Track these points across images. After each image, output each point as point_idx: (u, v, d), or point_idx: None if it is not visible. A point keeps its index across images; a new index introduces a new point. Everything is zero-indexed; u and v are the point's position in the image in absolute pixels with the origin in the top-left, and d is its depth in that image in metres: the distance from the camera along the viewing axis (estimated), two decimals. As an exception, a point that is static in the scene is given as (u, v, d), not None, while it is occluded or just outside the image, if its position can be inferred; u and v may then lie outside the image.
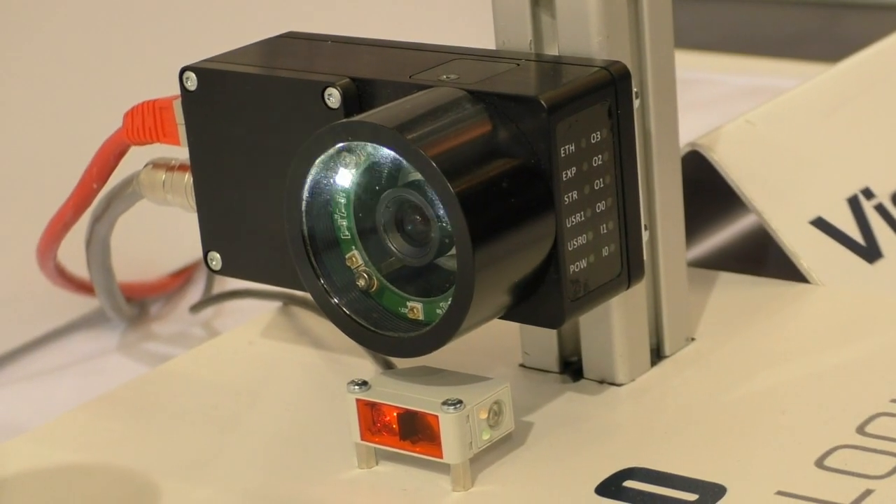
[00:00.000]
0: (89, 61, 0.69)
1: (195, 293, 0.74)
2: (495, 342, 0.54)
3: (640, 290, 0.52)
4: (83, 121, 0.63)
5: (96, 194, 0.61)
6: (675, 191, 0.53)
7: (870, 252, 0.59)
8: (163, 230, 0.69)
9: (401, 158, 0.46)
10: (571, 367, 0.53)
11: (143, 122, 0.56)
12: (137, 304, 0.73)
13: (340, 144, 0.47)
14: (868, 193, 0.60)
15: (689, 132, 0.60)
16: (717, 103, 0.92)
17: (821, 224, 0.59)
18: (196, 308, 0.69)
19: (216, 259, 0.55)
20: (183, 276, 0.74)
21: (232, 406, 0.54)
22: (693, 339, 0.55)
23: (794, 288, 0.57)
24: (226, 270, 0.55)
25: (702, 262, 0.62)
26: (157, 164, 0.57)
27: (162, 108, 0.55)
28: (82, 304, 0.72)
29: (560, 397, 0.52)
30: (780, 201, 0.58)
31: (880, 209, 0.60)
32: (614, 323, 0.52)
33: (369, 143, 0.47)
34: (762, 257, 0.60)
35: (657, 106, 0.52)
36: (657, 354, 0.54)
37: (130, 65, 0.68)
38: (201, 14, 0.72)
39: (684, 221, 0.55)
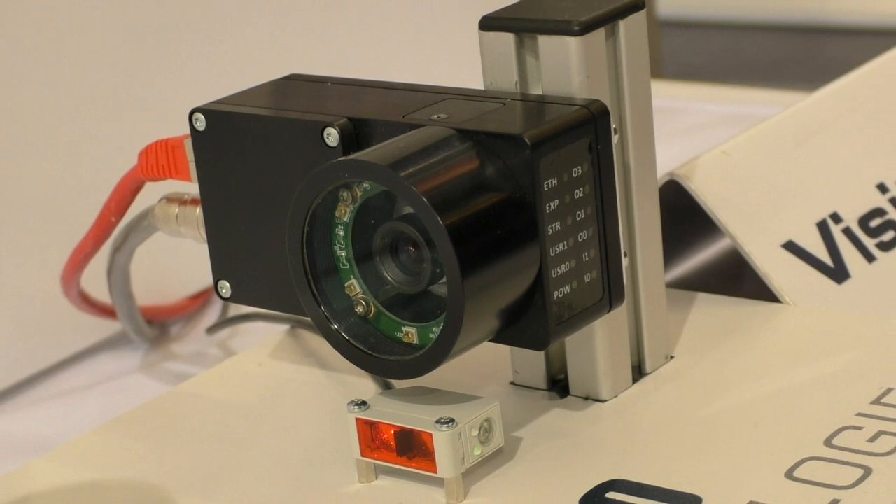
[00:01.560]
0: (106, 104, 0.69)
1: (212, 315, 0.73)
2: (487, 362, 0.54)
3: (621, 312, 0.51)
4: (101, 159, 0.63)
5: (115, 227, 0.61)
6: (654, 219, 0.53)
7: (838, 273, 0.59)
8: (182, 256, 0.68)
9: (394, 193, 0.46)
10: (559, 385, 0.53)
11: (156, 160, 0.56)
12: (158, 326, 0.73)
13: (339, 181, 0.47)
14: (836, 218, 0.60)
15: (671, 159, 0.60)
16: (697, 131, 0.91)
17: (791, 247, 0.58)
18: (212, 329, 0.69)
19: (226, 287, 0.55)
20: (201, 300, 0.74)
21: (242, 425, 0.54)
22: (672, 357, 0.55)
23: (766, 308, 0.57)
24: (235, 298, 0.54)
25: (681, 284, 0.62)
26: (170, 199, 0.57)
27: (174, 147, 0.55)
28: (106, 327, 0.72)
29: (547, 413, 0.52)
30: (754, 226, 0.58)
31: (847, 232, 0.60)
32: (598, 343, 0.52)
33: (365, 180, 0.47)
34: (737, 279, 0.59)
35: (635, 140, 0.52)
36: (638, 371, 0.54)
37: (144, 107, 0.68)
38: (209, 58, 0.72)
39: (662, 247, 0.54)
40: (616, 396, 0.52)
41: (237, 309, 0.70)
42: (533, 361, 0.53)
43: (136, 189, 0.59)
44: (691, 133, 0.91)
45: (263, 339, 0.61)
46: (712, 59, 2.31)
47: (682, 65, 2.19)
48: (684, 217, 0.59)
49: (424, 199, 0.45)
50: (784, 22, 2.42)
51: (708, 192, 0.58)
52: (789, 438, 0.49)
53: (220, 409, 0.55)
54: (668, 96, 1.04)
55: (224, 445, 0.53)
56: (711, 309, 0.58)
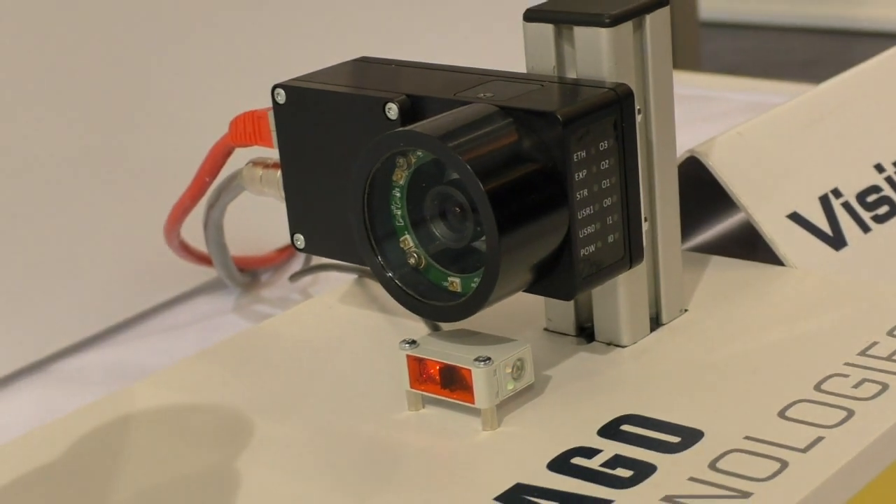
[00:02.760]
0: (202, 79, 0.69)
1: (296, 265, 0.74)
2: (524, 310, 0.54)
3: (640, 269, 0.51)
4: (198, 128, 0.63)
5: (209, 186, 0.61)
6: (672, 189, 0.52)
7: (836, 241, 0.58)
8: (272, 214, 0.69)
9: (443, 161, 0.46)
10: (586, 331, 0.53)
11: (244, 129, 0.56)
12: (250, 274, 0.73)
13: (396, 148, 0.47)
14: (837, 193, 0.59)
15: (701, 139, 0.59)
16: (725, 116, 0.91)
17: (796, 217, 0.58)
18: (294, 277, 0.69)
19: (300, 239, 0.55)
20: (286, 252, 0.74)
21: (312, 359, 0.54)
22: (686, 310, 0.54)
23: (772, 270, 0.56)
24: (308, 249, 0.55)
25: (699, 249, 0.61)
26: (255, 163, 0.57)
27: (259, 118, 0.55)
28: (204, 274, 0.72)
29: (574, 356, 0.52)
30: (763, 198, 0.57)
31: (846, 206, 0.59)
32: (620, 296, 0.51)
33: (418, 149, 0.47)
34: (748, 245, 0.59)
35: (658, 120, 0.51)
36: (656, 322, 0.53)
37: (235, 82, 0.68)
38: (292, 41, 0.72)
39: (683, 216, 0.54)
40: (635, 343, 0.52)
41: (318, 261, 0.70)
42: (563, 310, 0.53)
43: (227, 154, 0.59)
44: (720, 118, 0.90)
45: (335, 287, 0.61)
46: (749, 58, 2.29)
47: (721, 62, 2.17)
48: (703, 190, 0.59)
49: (468, 167, 0.45)
50: (817, 25, 2.39)
51: (723, 167, 0.57)
52: (783, 383, 0.48)
53: (294, 344, 0.56)
54: (702, 86, 1.03)
55: (295, 376, 0.53)
56: (723, 270, 0.57)
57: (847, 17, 2.35)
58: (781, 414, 0.46)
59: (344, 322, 0.57)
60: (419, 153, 0.47)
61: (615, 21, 0.49)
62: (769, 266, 0.57)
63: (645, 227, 0.50)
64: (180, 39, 0.69)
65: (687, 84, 1.03)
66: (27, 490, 0.47)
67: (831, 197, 0.59)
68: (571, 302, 0.53)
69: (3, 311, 0.65)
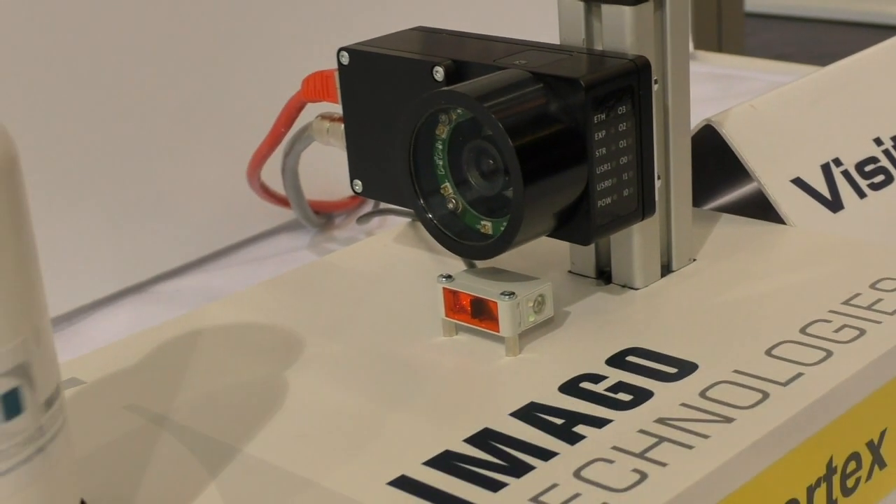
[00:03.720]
0: (279, 42, 0.70)
1: (365, 210, 0.74)
2: (552, 254, 0.54)
3: (653, 221, 0.51)
4: (276, 84, 0.63)
5: (284, 136, 0.61)
6: (685, 150, 0.52)
7: (834, 205, 0.57)
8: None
9: (478, 119, 0.46)
10: (604, 275, 0.53)
11: (315, 86, 0.57)
12: (325, 217, 0.73)
13: (439, 106, 0.47)
14: (837, 162, 0.59)
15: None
16: (755, 93, 0.89)
17: (798, 182, 0.57)
18: (361, 220, 0.70)
19: (359, 185, 0.55)
20: (358, 199, 0.75)
21: (364, 288, 0.54)
22: (694, 260, 0.54)
23: (774, 227, 0.56)
24: (365, 193, 0.55)
25: (713, 208, 0.61)
26: (324, 116, 0.58)
27: (327, 77, 0.55)
28: (285, 214, 0.73)
29: (592, 295, 0.52)
30: (769, 164, 0.57)
31: (846, 174, 0.58)
32: (634, 244, 0.51)
33: (458, 107, 0.47)
34: (761, 209, 0.58)
35: (674, 89, 0.51)
36: (667, 269, 0.53)
37: (307, 45, 0.68)
38: (360, 10, 0.72)
39: (698, 177, 0.54)
40: (646, 286, 0.52)
41: (384, 207, 0.70)
42: (585, 255, 0.53)
43: (300, 108, 0.59)
44: (750, 94, 0.89)
45: (392, 228, 0.61)
46: (797, 48, 2.25)
47: (769, 52, 2.13)
48: (717, 155, 0.58)
49: (500, 125, 0.45)
50: (861, 20, 2.34)
51: (736, 135, 0.57)
52: (773, 325, 0.48)
53: (350, 276, 0.56)
54: (738, 67, 1.02)
55: (348, 302, 0.53)
56: (731, 226, 0.57)
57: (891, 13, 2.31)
58: (768, 352, 0.46)
59: (395, 258, 0.57)
60: (459, 111, 0.47)
61: (637, 0, 0.48)
62: (772, 224, 0.56)
63: (658, 184, 0.50)
64: (263, 9, 0.69)
65: (724, 65, 1.02)
66: (115, 385, 0.47)
67: (832, 165, 0.58)
68: (592, 247, 0.53)
69: (111, 239, 0.66)
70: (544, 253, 0.54)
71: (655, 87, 0.49)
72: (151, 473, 0.42)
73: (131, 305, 0.67)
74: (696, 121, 0.58)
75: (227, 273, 0.70)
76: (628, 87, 0.47)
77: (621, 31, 0.49)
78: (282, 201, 0.69)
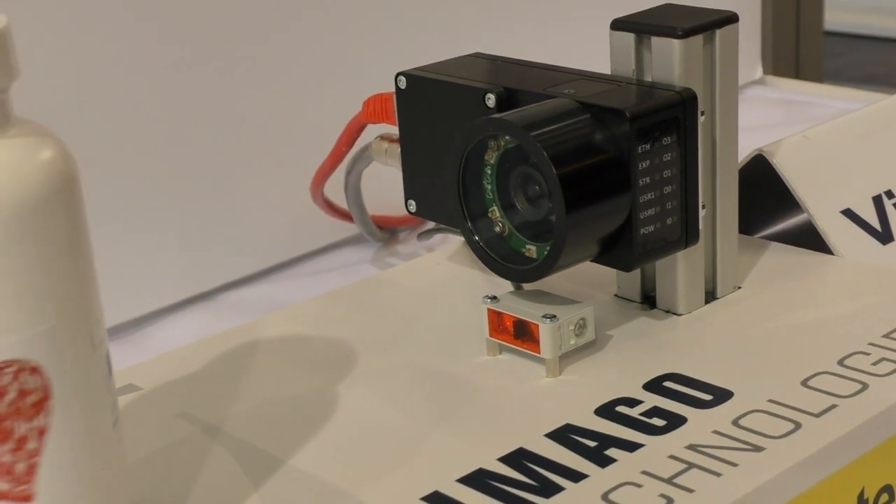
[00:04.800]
0: (342, 65, 0.71)
1: (427, 226, 0.75)
2: (599, 277, 0.54)
3: (697, 249, 0.51)
4: (337, 106, 0.65)
5: (345, 155, 0.63)
6: (732, 180, 0.52)
7: (884, 236, 0.57)
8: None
9: (524, 147, 0.47)
10: (649, 300, 0.53)
11: (374, 108, 0.58)
12: (389, 232, 0.74)
13: (487, 133, 0.48)
14: (889, 194, 0.58)
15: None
16: (816, 120, 0.89)
17: (849, 213, 0.57)
18: (421, 236, 0.70)
19: (413, 204, 0.56)
20: (421, 215, 0.75)
21: (415, 305, 0.55)
22: (740, 287, 0.54)
23: (822, 258, 0.56)
24: (419, 213, 0.56)
25: (764, 236, 0.61)
26: (383, 137, 0.59)
27: (386, 100, 0.57)
28: (350, 229, 0.74)
29: (635, 319, 0.52)
30: (820, 195, 0.57)
31: (897, 206, 0.58)
32: (679, 271, 0.52)
33: (505, 134, 0.48)
34: (804, 236, 0.58)
35: (722, 120, 0.51)
36: (712, 296, 0.53)
37: (369, 69, 0.69)
38: (420, 36, 0.73)
39: (743, 200, 0.54)
40: (690, 312, 0.52)
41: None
42: (631, 280, 0.53)
43: (360, 128, 0.61)
44: (816, 121, 0.88)
45: (448, 246, 0.62)
46: (889, 69, 2.22)
47: (859, 72, 2.11)
48: (767, 185, 0.58)
49: (544, 153, 0.46)
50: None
51: (787, 165, 0.57)
52: (811, 356, 0.48)
53: (403, 292, 0.57)
54: (807, 93, 1.01)
55: (399, 319, 0.54)
56: (779, 255, 0.57)
57: None
58: (804, 382, 0.46)
59: (448, 277, 0.58)
60: (507, 137, 0.48)
61: (687, 34, 0.49)
62: (820, 254, 0.56)
63: (703, 213, 0.50)
64: (330, 36, 0.70)
65: (793, 90, 1.01)
66: (171, 393, 0.49)
67: (884, 197, 0.58)
68: (637, 272, 0.53)
69: (180, 249, 0.68)
70: (592, 276, 0.54)
71: (702, 119, 0.49)
72: (197, 482, 0.43)
73: (197, 313, 0.69)
74: (755, 146, 0.58)
75: (290, 284, 0.71)
76: (674, 118, 0.48)
77: (670, 63, 0.49)
78: (346, 216, 0.70)
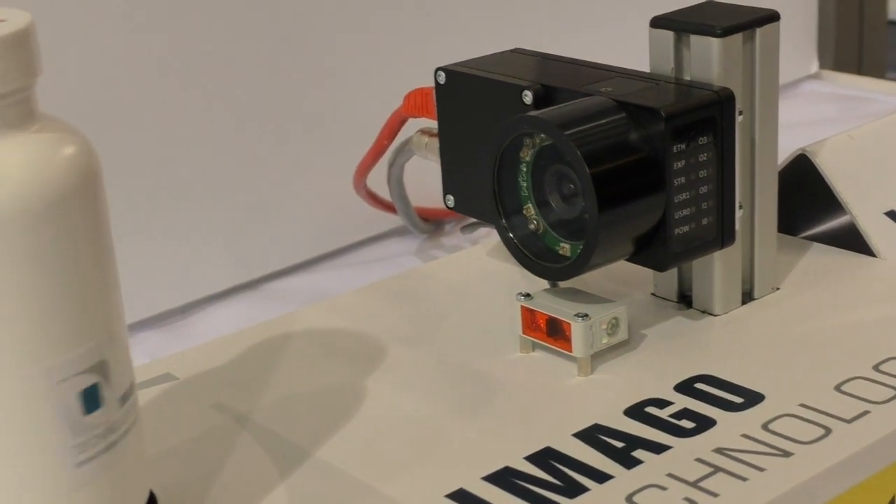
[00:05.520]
0: (386, 60, 0.71)
1: (471, 219, 0.74)
2: (637, 275, 0.54)
3: (734, 250, 0.51)
4: (379, 99, 0.65)
5: (386, 149, 0.63)
6: (771, 180, 0.52)
7: (928, 239, 0.56)
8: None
9: (557, 145, 0.47)
10: (686, 299, 0.53)
11: (415, 102, 0.58)
12: (434, 224, 0.74)
13: (522, 130, 0.48)
14: (934, 196, 0.57)
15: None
16: (872, 117, 0.87)
17: (892, 215, 0.56)
18: (464, 229, 0.70)
19: (451, 199, 0.56)
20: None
21: (452, 299, 0.55)
22: (778, 289, 0.53)
23: (864, 260, 0.55)
24: (457, 208, 0.56)
25: (806, 236, 0.60)
26: (423, 132, 0.59)
27: (426, 94, 0.57)
28: (396, 219, 0.74)
29: (671, 319, 0.52)
30: (862, 195, 0.56)
31: (942, 208, 0.57)
32: (715, 271, 0.51)
33: (539, 132, 0.48)
34: (847, 236, 0.57)
35: (761, 120, 0.51)
36: (749, 297, 0.53)
37: (410, 64, 0.69)
38: (462, 31, 0.73)
39: (785, 200, 0.53)
40: (726, 313, 0.52)
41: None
42: (667, 279, 0.53)
43: (402, 122, 0.61)
44: (871, 117, 0.87)
45: (485, 242, 0.62)
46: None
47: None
48: (813, 184, 0.57)
49: (578, 152, 0.46)
50: None
51: (829, 166, 0.56)
52: (847, 360, 0.47)
53: (441, 287, 0.57)
54: (860, 88, 0.99)
55: (434, 313, 0.54)
56: (820, 256, 0.56)
57: None
58: (837, 387, 0.46)
59: (486, 272, 0.58)
60: (542, 135, 0.48)
61: (726, 32, 0.48)
62: (862, 256, 0.55)
63: (740, 213, 0.50)
64: (374, 29, 0.70)
65: (849, 85, 1.00)
66: (206, 383, 0.49)
67: (928, 199, 0.57)
68: (674, 271, 0.53)
69: (227, 239, 0.68)
70: (629, 274, 0.54)
71: (740, 118, 0.49)
72: (224, 472, 0.43)
73: (242, 301, 0.69)
74: (804, 142, 0.57)
75: (334, 274, 0.71)
76: (710, 118, 0.47)
77: (708, 62, 0.49)
78: (389, 207, 0.70)
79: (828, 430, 0.43)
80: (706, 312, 0.52)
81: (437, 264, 0.60)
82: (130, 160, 0.63)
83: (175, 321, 0.68)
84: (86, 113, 0.60)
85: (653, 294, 0.54)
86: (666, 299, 0.53)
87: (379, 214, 0.72)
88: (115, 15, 0.61)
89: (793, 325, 0.50)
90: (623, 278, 0.55)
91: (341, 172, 0.69)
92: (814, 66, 0.96)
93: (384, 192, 0.69)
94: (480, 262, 0.59)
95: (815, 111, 0.90)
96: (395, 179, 0.66)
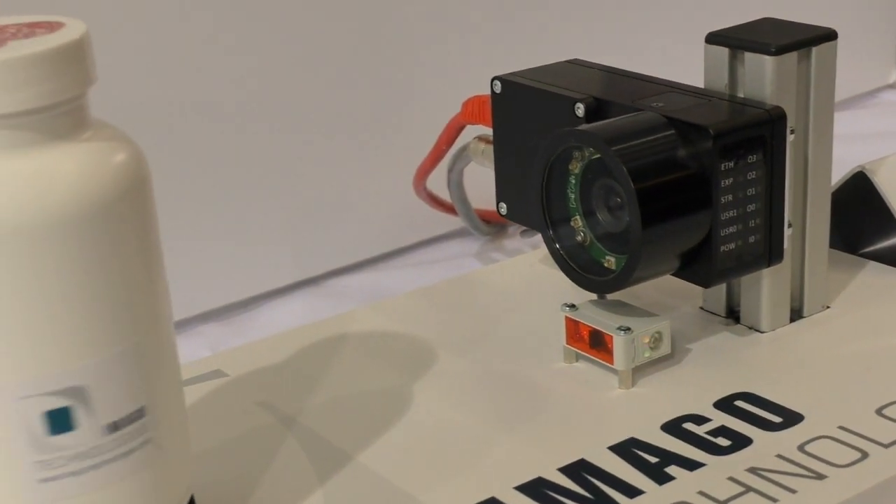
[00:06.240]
0: (443, 71, 0.71)
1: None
2: (687, 289, 0.54)
3: (783, 267, 0.51)
4: (439, 107, 0.65)
5: (445, 153, 0.63)
6: (824, 199, 0.52)
7: None
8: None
9: (604, 160, 0.47)
10: (734, 315, 0.53)
11: (472, 110, 0.59)
12: (496, 226, 0.75)
13: (570, 144, 0.48)
14: None
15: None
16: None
17: (950, 235, 0.56)
18: (524, 234, 0.71)
19: (503, 207, 0.57)
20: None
21: (501, 306, 0.56)
22: (828, 307, 0.53)
23: (919, 279, 0.55)
24: (509, 216, 0.57)
25: (864, 254, 0.60)
26: (480, 138, 0.60)
27: (483, 102, 0.57)
28: (459, 221, 0.75)
29: (717, 334, 0.52)
30: (920, 215, 0.56)
31: None
32: (763, 287, 0.51)
33: (588, 146, 0.48)
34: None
35: (815, 138, 0.51)
36: (798, 314, 0.53)
37: (466, 72, 0.69)
38: (522, 40, 0.73)
39: (843, 217, 0.53)
40: (773, 330, 0.52)
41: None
42: (716, 294, 0.53)
43: (460, 128, 0.61)
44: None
45: (544, 248, 0.62)
46: None
47: None
48: (873, 202, 0.57)
49: (623, 168, 0.46)
50: None
51: (888, 184, 0.56)
52: (891, 382, 0.47)
53: (492, 293, 0.58)
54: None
55: (483, 319, 0.55)
56: (875, 274, 0.56)
57: None
58: (879, 411, 0.46)
59: (537, 279, 0.58)
60: (591, 149, 0.48)
61: (780, 51, 0.49)
62: (917, 276, 0.55)
63: (789, 231, 0.50)
64: (436, 37, 0.71)
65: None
66: (255, 381, 0.51)
67: None
68: (724, 287, 0.53)
69: (292, 236, 0.69)
70: (680, 287, 0.54)
71: (792, 137, 0.49)
72: (265, 471, 0.44)
73: (303, 297, 0.70)
74: (874, 154, 0.57)
75: (396, 273, 0.72)
76: (760, 136, 0.47)
77: (762, 80, 0.49)
78: (450, 209, 0.71)
79: (864, 454, 0.43)
80: (753, 329, 0.52)
81: (490, 269, 0.61)
82: (204, 156, 0.65)
83: (238, 315, 0.69)
84: (157, 109, 0.62)
85: (701, 308, 0.54)
86: (714, 314, 0.53)
87: (442, 216, 0.73)
88: (184, 11, 0.63)
89: (840, 345, 0.50)
90: (673, 291, 0.55)
91: (408, 173, 0.70)
92: (892, 76, 0.95)
93: (446, 195, 0.70)
94: (533, 268, 0.60)
95: (887, 123, 0.89)
96: (455, 183, 0.66)
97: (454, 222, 0.75)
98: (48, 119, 0.34)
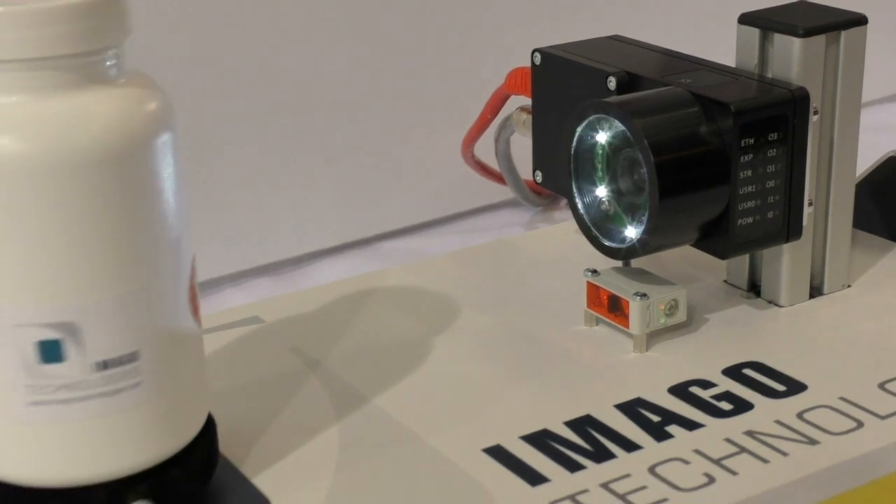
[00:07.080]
0: (490, 44, 0.73)
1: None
2: (714, 262, 0.56)
3: (806, 244, 0.53)
4: (492, 78, 0.67)
5: (490, 123, 0.66)
6: (849, 179, 0.53)
7: None
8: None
9: (627, 132, 0.49)
10: (756, 288, 0.55)
11: (515, 81, 0.61)
12: (548, 197, 0.77)
13: (598, 114, 0.51)
14: None
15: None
16: None
17: (978, 223, 0.57)
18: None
19: (539, 175, 0.59)
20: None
21: (532, 270, 0.58)
22: (849, 286, 0.55)
23: (943, 265, 0.56)
24: (544, 184, 0.59)
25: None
26: (522, 109, 0.62)
27: (526, 73, 0.60)
28: (509, 192, 0.77)
29: (736, 307, 0.54)
30: (949, 202, 0.57)
31: None
32: (784, 263, 0.53)
33: (611, 118, 0.50)
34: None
35: (842, 120, 0.52)
36: (819, 291, 0.54)
37: (514, 44, 0.71)
38: (568, 15, 0.75)
39: (876, 202, 0.54)
40: (792, 305, 0.54)
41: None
42: (738, 267, 0.55)
43: (504, 99, 0.64)
44: None
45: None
46: None
47: None
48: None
49: (645, 140, 0.48)
50: None
51: (919, 170, 0.57)
52: (896, 360, 0.49)
53: (525, 257, 0.60)
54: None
55: (512, 282, 0.58)
56: (899, 257, 0.57)
57: None
58: (881, 385, 0.47)
59: (572, 246, 0.61)
60: (617, 121, 0.50)
61: (808, 33, 0.50)
62: (942, 261, 0.56)
63: (809, 209, 0.52)
64: (486, 11, 0.73)
65: None
66: (289, 328, 0.54)
67: None
68: (745, 260, 0.55)
69: (345, 198, 0.72)
70: (706, 260, 0.56)
71: (815, 118, 0.50)
72: (286, 407, 0.48)
73: (353, 258, 0.73)
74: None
75: (442, 240, 0.74)
76: (782, 115, 0.49)
77: (789, 61, 0.51)
78: (498, 178, 0.73)
79: (860, 424, 0.45)
80: (773, 303, 0.54)
81: (526, 236, 0.63)
82: (266, 121, 0.68)
83: (289, 271, 0.72)
84: (222, 71, 0.65)
85: (725, 281, 0.56)
86: (737, 287, 0.55)
87: (494, 186, 0.75)
88: (247, -21, 0.66)
89: (854, 323, 0.52)
90: (698, 263, 0.57)
91: (458, 143, 0.72)
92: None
93: (496, 165, 0.72)
94: (567, 237, 0.62)
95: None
96: (503, 153, 0.69)
97: (506, 192, 0.77)
98: (88, 64, 0.37)
